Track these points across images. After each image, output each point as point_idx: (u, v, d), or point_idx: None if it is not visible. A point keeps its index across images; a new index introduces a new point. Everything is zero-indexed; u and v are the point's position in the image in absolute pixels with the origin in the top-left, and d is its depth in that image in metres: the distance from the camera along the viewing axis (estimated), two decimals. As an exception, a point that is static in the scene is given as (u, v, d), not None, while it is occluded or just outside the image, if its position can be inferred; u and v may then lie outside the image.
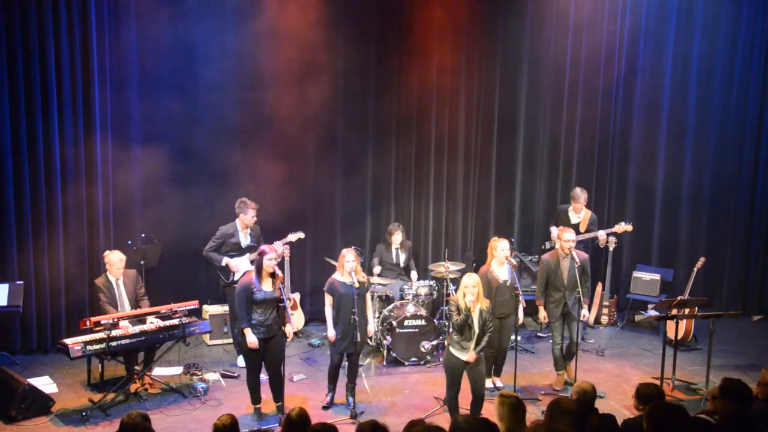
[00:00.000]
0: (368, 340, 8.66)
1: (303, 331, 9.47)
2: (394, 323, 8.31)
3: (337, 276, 7.21)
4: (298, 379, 8.00)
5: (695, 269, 9.14)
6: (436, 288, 9.11)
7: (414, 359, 8.43)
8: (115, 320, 7.20)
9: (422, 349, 8.36)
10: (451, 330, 6.71)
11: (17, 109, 8.24)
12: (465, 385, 6.70)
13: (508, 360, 7.81)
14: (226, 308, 8.87)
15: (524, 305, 7.74)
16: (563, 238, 7.66)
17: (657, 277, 9.94)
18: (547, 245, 9.46)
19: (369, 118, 9.82)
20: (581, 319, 7.80)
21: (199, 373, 8.01)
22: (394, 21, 9.68)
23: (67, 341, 7.05)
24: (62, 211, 8.51)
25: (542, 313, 7.82)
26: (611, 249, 9.61)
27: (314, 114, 9.49)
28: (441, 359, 8.39)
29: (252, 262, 8.28)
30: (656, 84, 10.35)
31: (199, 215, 9.15)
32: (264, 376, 7.11)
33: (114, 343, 7.12)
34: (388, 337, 8.31)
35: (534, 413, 6.74)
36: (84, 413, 6.97)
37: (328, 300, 7.16)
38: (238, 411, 6.98)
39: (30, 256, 8.42)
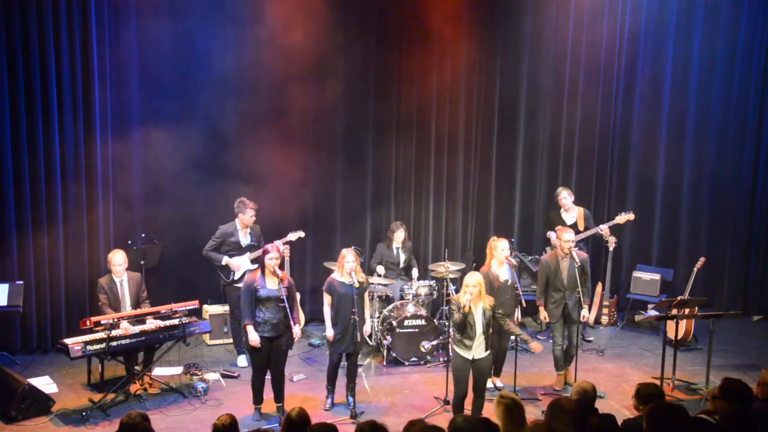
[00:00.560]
0: (368, 340, 8.68)
1: (303, 331, 9.44)
2: (394, 323, 8.31)
3: (336, 276, 7.21)
4: (298, 379, 8.00)
5: (695, 269, 9.13)
6: (436, 288, 9.11)
7: (414, 359, 8.43)
8: (116, 320, 7.20)
9: (422, 349, 8.36)
10: (452, 330, 6.71)
11: (17, 109, 8.24)
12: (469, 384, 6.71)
13: (508, 360, 7.81)
14: (226, 308, 8.88)
15: (524, 305, 7.73)
16: (563, 238, 7.66)
17: (657, 277, 9.94)
18: (548, 251, 9.42)
19: (369, 118, 9.82)
20: (581, 319, 7.80)
21: (199, 373, 8.01)
22: (394, 22, 9.67)
23: (67, 341, 7.05)
24: (62, 211, 8.51)
25: (543, 314, 7.82)
26: (611, 249, 9.61)
27: (314, 114, 9.49)
28: (441, 359, 8.42)
29: (253, 261, 8.29)
30: (656, 84, 10.35)
31: (199, 215, 9.16)
32: (266, 376, 7.11)
33: (114, 343, 7.13)
34: (388, 337, 8.31)
35: (534, 413, 6.74)
36: (84, 413, 6.97)
37: (327, 300, 7.16)
38: (238, 411, 6.97)
39: (30, 256, 8.42)
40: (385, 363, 8.46)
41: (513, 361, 7.44)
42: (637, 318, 9.15)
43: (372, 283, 8.74)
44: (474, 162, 10.23)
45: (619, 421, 5.01)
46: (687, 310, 8.33)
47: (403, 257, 9.32)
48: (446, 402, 7.25)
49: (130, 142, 8.93)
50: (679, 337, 8.60)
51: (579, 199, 9.55)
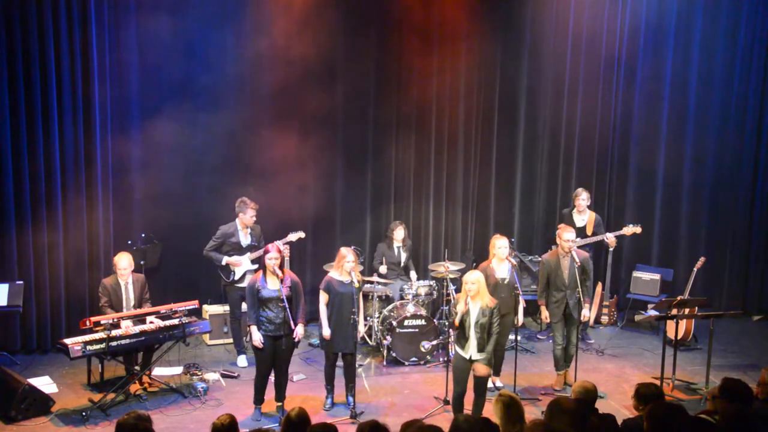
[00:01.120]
0: (368, 340, 8.69)
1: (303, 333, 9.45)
2: (394, 323, 8.31)
3: (334, 274, 7.21)
4: (298, 379, 8.00)
5: (695, 269, 9.13)
6: (436, 288, 9.11)
7: (414, 359, 8.43)
8: (116, 320, 7.20)
9: (422, 349, 8.36)
10: (451, 328, 6.71)
11: (17, 110, 8.23)
12: (469, 384, 6.71)
13: (508, 360, 7.81)
14: (226, 308, 8.87)
15: (524, 305, 7.74)
16: (563, 237, 7.66)
17: (657, 277, 9.93)
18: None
19: (369, 118, 9.82)
20: (583, 319, 7.79)
21: (199, 373, 8.01)
22: (394, 22, 9.67)
23: (67, 341, 7.04)
24: (62, 211, 8.50)
25: (544, 313, 7.81)
26: (611, 249, 9.60)
27: (314, 114, 9.49)
28: (441, 359, 8.42)
29: (253, 261, 8.29)
30: (656, 84, 10.35)
31: (199, 215, 9.15)
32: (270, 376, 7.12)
33: (114, 343, 7.12)
34: (388, 337, 8.31)
35: (534, 413, 6.74)
36: (84, 413, 6.97)
37: (324, 298, 7.16)
38: (238, 411, 6.97)
39: (30, 256, 8.42)
40: (385, 363, 8.46)
41: (513, 361, 7.44)
42: (637, 318, 9.15)
43: (372, 283, 8.74)
44: (474, 162, 10.23)
45: (619, 421, 5.01)
46: (687, 310, 8.33)
47: (404, 256, 9.32)
48: (446, 402, 7.25)
49: (130, 142, 8.93)
50: (679, 337, 8.60)
51: (591, 200, 9.53)
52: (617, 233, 9.27)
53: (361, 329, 7.45)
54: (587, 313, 7.81)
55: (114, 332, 7.10)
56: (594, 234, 9.15)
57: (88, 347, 7.05)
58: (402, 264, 9.32)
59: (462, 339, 6.55)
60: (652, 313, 8.54)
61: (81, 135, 8.52)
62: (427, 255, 10.13)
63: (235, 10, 9.12)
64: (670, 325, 8.47)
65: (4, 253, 8.36)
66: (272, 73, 9.25)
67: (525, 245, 10.38)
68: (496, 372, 7.87)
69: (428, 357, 8.47)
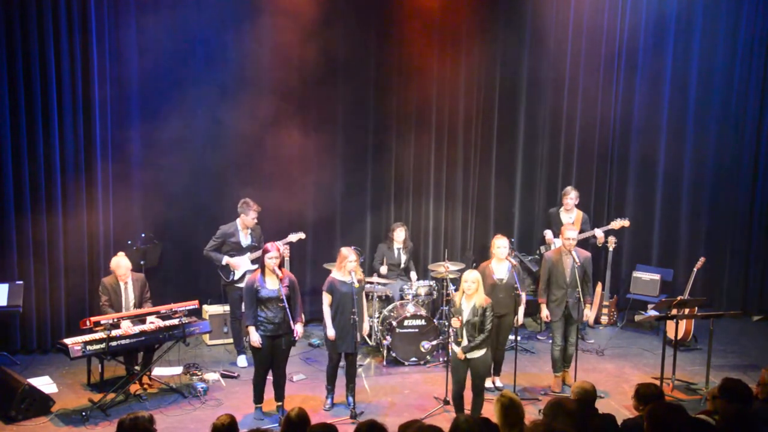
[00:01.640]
0: (367, 340, 8.68)
1: (303, 331, 9.45)
2: (394, 323, 8.31)
3: (336, 275, 7.21)
4: (298, 379, 8.00)
5: (695, 269, 9.14)
6: (436, 288, 9.11)
7: (414, 359, 8.43)
8: (116, 320, 7.20)
9: (422, 349, 8.35)
10: (451, 329, 6.72)
11: (17, 110, 8.24)
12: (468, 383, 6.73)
13: (508, 360, 7.81)
14: (226, 308, 8.87)
15: (524, 306, 7.73)
16: (564, 236, 7.66)
17: (657, 277, 9.94)
18: (543, 250, 9.42)
19: (369, 118, 9.82)
20: (584, 319, 7.78)
21: (199, 373, 8.01)
22: (394, 22, 9.67)
23: (67, 341, 7.05)
24: (62, 211, 8.50)
25: (544, 312, 7.79)
26: (611, 249, 9.60)
27: (314, 114, 9.49)
28: (441, 359, 8.42)
29: (254, 261, 8.29)
30: (656, 84, 10.35)
31: (199, 215, 9.16)
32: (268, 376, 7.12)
33: (114, 343, 7.12)
34: (388, 337, 8.31)
35: (534, 413, 6.74)
36: (84, 413, 6.97)
37: (327, 299, 7.16)
38: (238, 411, 6.98)
39: (30, 256, 8.42)
40: (385, 363, 8.46)
41: (513, 361, 7.44)
42: (637, 318, 9.15)
43: (372, 283, 8.74)
44: (474, 161, 10.23)
45: (619, 421, 5.01)
46: (687, 310, 8.33)
47: (404, 258, 9.32)
48: (446, 402, 7.25)
49: (130, 142, 8.93)
50: (679, 337, 8.60)
51: (579, 199, 9.54)
52: (605, 228, 9.29)
53: (366, 328, 7.45)
54: (588, 313, 7.80)
55: (114, 332, 7.10)
56: (581, 231, 9.16)
57: (88, 347, 7.05)
58: (402, 265, 9.32)
59: (459, 337, 6.59)
60: (652, 313, 8.54)
61: (81, 135, 8.52)
62: (427, 255, 10.13)
63: (235, 10, 9.12)
64: (670, 325, 8.47)
65: (4, 253, 8.36)
66: (273, 73, 9.26)
67: (525, 245, 10.38)
68: (496, 372, 7.87)
69: (428, 357, 8.47)
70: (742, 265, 10.67)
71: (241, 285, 8.18)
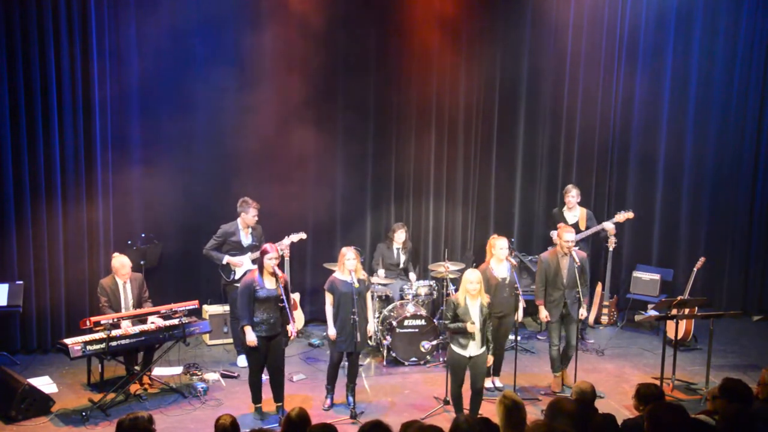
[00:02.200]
0: (368, 340, 8.68)
1: (303, 331, 9.46)
2: (394, 323, 8.31)
3: (338, 275, 7.21)
4: (298, 379, 8.00)
5: (695, 269, 9.13)
6: (436, 288, 9.11)
7: (414, 359, 8.43)
8: (116, 320, 7.20)
9: (422, 349, 8.36)
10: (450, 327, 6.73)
11: (17, 110, 8.24)
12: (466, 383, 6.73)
13: (508, 360, 7.81)
14: (226, 308, 8.87)
15: (524, 305, 7.72)
16: (563, 238, 7.64)
17: (657, 277, 9.93)
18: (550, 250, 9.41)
19: (369, 118, 9.82)
20: (580, 317, 7.79)
21: (199, 373, 8.01)
22: (394, 21, 9.66)
23: (67, 341, 7.05)
24: (62, 211, 8.50)
25: (543, 313, 7.78)
26: (611, 249, 9.60)
27: (314, 114, 9.48)
28: (441, 359, 8.42)
29: (254, 261, 8.29)
30: (656, 84, 10.34)
31: (199, 215, 9.15)
32: (265, 376, 7.11)
33: (114, 343, 7.12)
34: (388, 337, 8.31)
35: (534, 413, 6.74)
36: (84, 413, 6.97)
37: (329, 299, 7.16)
38: (238, 411, 6.99)
39: (30, 256, 8.42)
40: (385, 363, 8.46)
41: (513, 361, 7.44)
42: (637, 318, 9.15)
43: (372, 283, 8.73)
44: (474, 161, 10.22)
45: (619, 421, 5.00)
46: (687, 310, 8.32)
47: (402, 258, 9.32)
48: (446, 402, 7.25)
49: (130, 142, 8.93)
50: (679, 337, 8.60)
51: (580, 197, 9.53)
52: (614, 220, 9.26)
53: (371, 327, 7.44)
54: (585, 312, 7.80)
55: (114, 332, 7.10)
56: (588, 228, 9.15)
57: (88, 347, 7.05)
58: (401, 266, 9.32)
59: (462, 339, 6.59)
60: (652, 313, 8.54)
61: (81, 135, 8.52)
62: (427, 255, 10.12)
63: (235, 9, 9.12)
64: (670, 325, 8.47)
65: (4, 253, 8.37)
66: (273, 73, 9.26)
67: (525, 245, 10.38)
68: (496, 371, 7.88)
69: (428, 357, 8.47)
70: (742, 265, 10.66)
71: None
